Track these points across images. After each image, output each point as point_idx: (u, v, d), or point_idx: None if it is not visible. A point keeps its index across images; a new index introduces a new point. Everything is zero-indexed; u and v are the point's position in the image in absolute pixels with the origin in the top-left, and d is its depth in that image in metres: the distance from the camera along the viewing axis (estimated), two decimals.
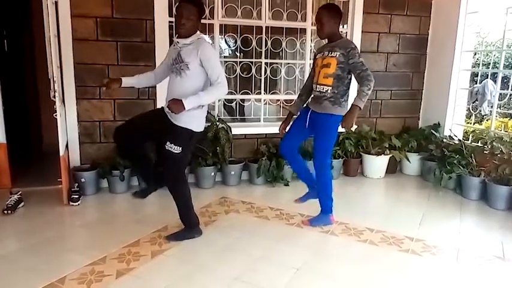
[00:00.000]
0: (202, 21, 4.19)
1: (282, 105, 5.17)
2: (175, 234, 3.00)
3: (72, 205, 3.65)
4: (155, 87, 4.14)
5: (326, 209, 3.32)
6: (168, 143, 2.72)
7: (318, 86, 3.11)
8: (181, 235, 3.00)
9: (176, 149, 2.72)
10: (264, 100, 4.76)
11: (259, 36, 4.53)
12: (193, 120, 2.77)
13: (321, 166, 3.19)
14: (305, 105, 3.33)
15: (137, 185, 4.14)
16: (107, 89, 2.98)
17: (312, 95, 3.24)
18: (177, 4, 2.73)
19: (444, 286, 2.52)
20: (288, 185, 4.38)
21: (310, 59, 4.72)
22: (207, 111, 4.48)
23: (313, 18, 4.58)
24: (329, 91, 3.06)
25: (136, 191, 3.26)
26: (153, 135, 2.89)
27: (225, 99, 4.72)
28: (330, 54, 3.04)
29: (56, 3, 3.69)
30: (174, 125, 2.75)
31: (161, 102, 4.19)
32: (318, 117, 3.12)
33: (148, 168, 3.09)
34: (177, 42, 2.74)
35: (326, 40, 3.19)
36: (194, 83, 2.72)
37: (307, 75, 4.76)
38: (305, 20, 4.58)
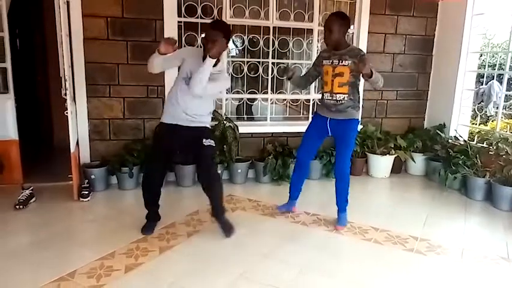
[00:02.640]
0: (210, 21, 4.25)
1: (288, 104, 5.16)
2: (227, 229, 3.03)
3: (82, 201, 3.67)
4: (164, 86, 4.16)
5: (345, 207, 3.35)
6: (204, 140, 2.92)
7: (333, 94, 3.10)
8: (227, 224, 3.05)
9: (213, 142, 2.99)
10: (271, 99, 4.75)
11: (266, 36, 4.52)
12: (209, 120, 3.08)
13: (346, 168, 3.25)
14: (317, 113, 3.34)
15: None
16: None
17: (323, 103, 3.21)
18: (208, 29, 2.86)
19: (448, 286, 2.51)
20: None
21: None
22: (215, 109, 4.51)
23: (320, 19, 4.58)
24: (346, 98, 3.09)
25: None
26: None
27: (233, 99, 4.71)
28: (341, 63, 3.04)
29: (68, 3, 3.70)
30: (200, 127, 2.96)
31: None
32: (343, 123, 3.16)
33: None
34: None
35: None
36: (210, 100, 3.02)
37: None
38: (312, 21, 4.56)
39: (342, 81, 3.06)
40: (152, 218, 3.15)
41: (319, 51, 3.34)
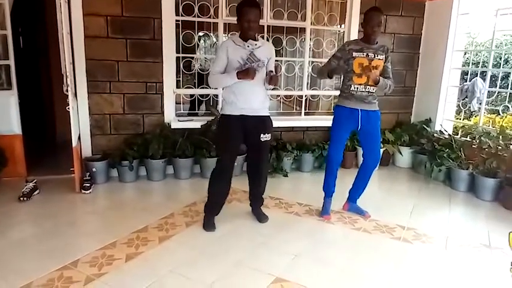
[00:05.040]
0: (207, 20, 4.24)
1: (281, 100, 5.16)
2: (264, 216, 3.19)
3: (84, 193, 3.66)
4: (162, 82, 4.13)
5: None
6: (262, 135, 2.88)
7: (367, 86, 3.02)
8: (263, 213, 3.23)
9: (269, 137, 2.93)
10: None
11: (260, 35, 4.49)
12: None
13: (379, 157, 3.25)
14: (343, 106, 3.11)
15: (145, 174, 4.14)
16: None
17: (354, 95, 3.04)
18: (243, 8, 2.66)
19: (433, 272, 2.53)
20: (287, 176, 4.38)
21: (310, 56, 4.70)
22: (211, 105, 4.50)
23: (313, 18, 4.56)
24: (374, 90, 3.06)
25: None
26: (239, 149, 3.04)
27: None
28: (377, 57, 3.00)
29: (69, 2, 3.66)
30: (264, 116, 2.91)
31: (168, 96, 4.20)
32: (372, 114, 3.12)
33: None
34: (248, 45, 2.73)
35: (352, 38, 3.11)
36: (263, 77, 2.83)
37: (306, 72, 4.73)
38: (305, 20, 4.54)
39: (377, 74, 3.02)
40: (216, 213, 3.05)
41: (342, 44, 3.08)
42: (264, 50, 2.82)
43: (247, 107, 2.83)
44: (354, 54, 2.99)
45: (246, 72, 2.68)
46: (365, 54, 2.98)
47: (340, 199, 3.44)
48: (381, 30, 3.03)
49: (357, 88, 3.03)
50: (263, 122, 2.92)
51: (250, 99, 2.82)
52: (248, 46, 2.74)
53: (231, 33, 4.63)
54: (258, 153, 3.01)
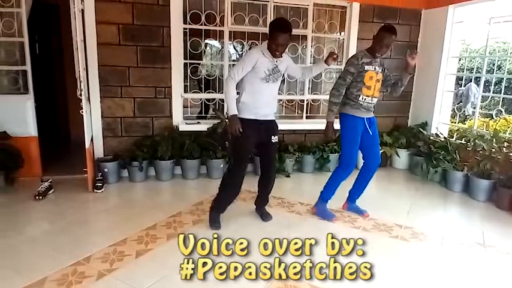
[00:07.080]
0: (213, 28, 4.25)
1: (284, 104, 5.15)
2: (268, 216, 3.20)
3: (97, 192, 3.67)
4: (171, 87, 4.15)
5: None
6: (273, 137, 2.95)
7: (373, 98, 3.06)
8: (267, 212, 3.23)
9: (277, 138, 3.01)
10: None
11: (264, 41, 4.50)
12: None
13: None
14: (353, 115, 3.07)
15: (154, 175, 4.15)
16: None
17: (363, 106, 3.04)
18: (275, 32, 2.66)
19: (430, 269, 2.52)
20: (289, 177, 4.38)
21: (311, 63, 4.69)
22: (217, 109, 4.50)
23: (314, 26, 4.56)
24: (376, 102, 3.13)
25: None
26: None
27: None
28: (381, 71, 3.05)
29: (83, 11, 3.68)
30: (274, 121, 2.99)
31: (176, 101, 4.21)
32: (375, 121, 3.17)
33: None
34: (276, 61, 2.80)
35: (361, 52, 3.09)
36: (278, 85, 2.98)
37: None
38: (306, 28, 4.54)
39: (380, 87, 3.10)
40: (223, 211, 3.04)
41: (354, 58, 3.01)
42: (284, 61, 2.89)
43: (265, 113, 2.87)
44: (366, 67, 2.98)
45: (231, 128, 2.72)
46: (374, 67, 3.00)
47: (340, 199, 3.42)
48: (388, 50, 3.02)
49: (365, 99, 3.03)
50: (272, 125, 2.96)
51: (271, 107, 2.91)
52: (277, 61, 2.80)
53: (236, 40, 4.64)
54: (269, 155, 3.04)
